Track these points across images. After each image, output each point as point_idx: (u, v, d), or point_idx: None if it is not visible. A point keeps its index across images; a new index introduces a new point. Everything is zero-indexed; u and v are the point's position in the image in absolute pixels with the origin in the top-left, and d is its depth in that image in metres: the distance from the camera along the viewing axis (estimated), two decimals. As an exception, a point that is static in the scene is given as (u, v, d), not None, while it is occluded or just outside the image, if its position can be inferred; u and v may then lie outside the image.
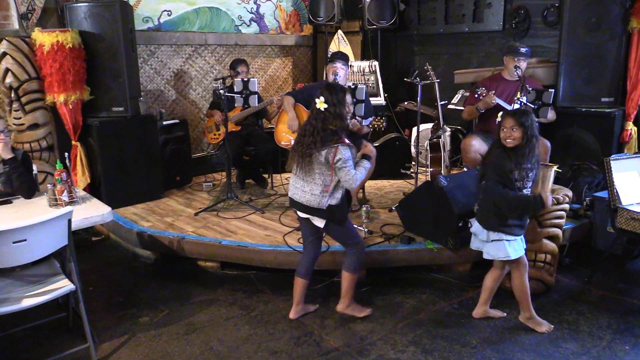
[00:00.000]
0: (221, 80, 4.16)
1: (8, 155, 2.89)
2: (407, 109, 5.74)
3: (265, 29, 6.09)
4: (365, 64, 5.66)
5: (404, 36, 6.23)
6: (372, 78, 5.61)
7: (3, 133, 2.89)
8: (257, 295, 3.29)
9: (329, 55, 5.23)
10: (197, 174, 5.47)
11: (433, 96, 4.35)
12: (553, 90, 3.88)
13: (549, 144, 3.95)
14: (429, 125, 4.81)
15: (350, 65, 5.18)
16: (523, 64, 4.07)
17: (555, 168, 2.76)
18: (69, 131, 4.23)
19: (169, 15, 5.27)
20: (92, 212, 2.76)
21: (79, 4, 4.14)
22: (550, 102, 3.80)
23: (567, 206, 3.21)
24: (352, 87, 3.87)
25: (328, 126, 2.67)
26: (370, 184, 4.90)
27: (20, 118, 4.11)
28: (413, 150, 4.99)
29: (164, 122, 4.94)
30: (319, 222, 2.79)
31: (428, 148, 4.41)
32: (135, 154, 4.44)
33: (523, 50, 4.07)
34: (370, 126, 3.99)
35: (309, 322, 2.95)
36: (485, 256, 2.79)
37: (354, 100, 3.79)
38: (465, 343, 2.71)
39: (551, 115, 3.95)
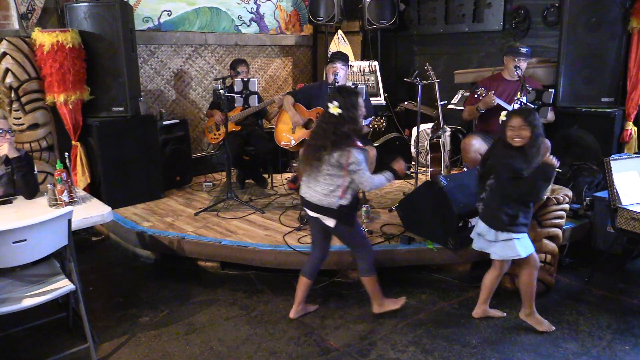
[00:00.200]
0: (221, 80, 4.16)
1: (14, 154, 2.90)
2: (407, 109, 5.75)
3: (265, 29, 6.09)
4: (365, 64, 5.66)
5: (404, 36, 6.23)
6: (372, 78, 5.61)
7: (8, 133, 2.91)
8: (257, 295, 3.29)
9: (329, 55, 5.23)
10: (197, 174, 5.47)
11: (433, 96, 4.35)
12: (553, 90, 3.89)
13: (549, 143, 3.95)
14: (429, 125, 4.81)
15: (350, 65, 5.18)
16: (523, 64, 4.07)
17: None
18: (69, 131, 4.23)
19: (169, 15, 5.27)
20: (92, 212, 2.76)
21: (79, 4, 4.14)
22: (551, 102, 3.81)
23: (567, 206, 3.21)
24: (352, 87, 3.88)
25: (340, 129, 2.67)
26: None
27: (20, 118, 4.11)
28: (413, 150, 4.99)
29: (164, 122, 4.94)
30: (330, 222, 2.79)
31: (428, 148, 4.41)
32: (135, 154, 4.44)
33: (523, 50, 4.07)
34: (370, 126, 4.00)
35: (309, 322, 2.95)
36: (493, 256, 2.77)
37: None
38: (465, 343, 2.71)
39: (550, 115, 3.96)
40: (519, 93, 3.93)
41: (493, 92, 3.99)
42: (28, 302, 2.36)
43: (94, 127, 4.27)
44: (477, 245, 2.84)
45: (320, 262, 3.00)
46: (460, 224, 3.30)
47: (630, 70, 4.10)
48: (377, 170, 4.12)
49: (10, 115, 4.10)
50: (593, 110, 4.25)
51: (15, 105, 4.09)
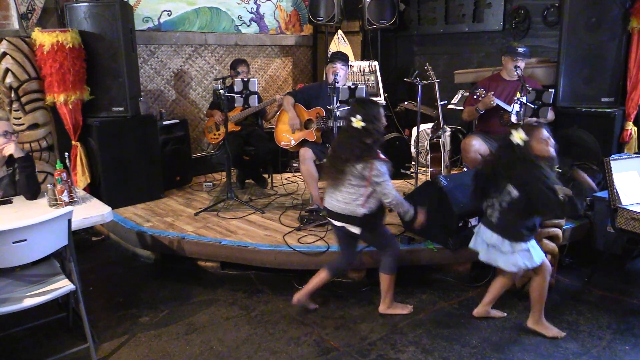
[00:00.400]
0: (221, 80, 4.16)
1: (20, 154, 2.91)
2: (407, 109, 5.74)
3: (265, 29, 6.09)
4: (365, 64, 5.65)
5: (404, 36, 6.23)
6: (372, 78, 5.61)
7: (13, 134, 2.93)
8: (257, 295, 3.29)
9: (329, 55, 5.23)
10: (197, 174, 5.47)
11: (433, 96, 4.35)
12: (553, 90, 3.88)
13: None
14: (429, 125, 4.81)
15: (350, 65, 5.18)
16: (521, 64, 4.07)
17: None
18: (69, 131, 4.23)
19: (169, 15, 5.27)
20: (92, 212, 2.76)
21: (79, 4, 4.14)
22: (551, 102, 3.80)
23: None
24: (352, 87, 3.88)
25: (364, 141, 2.71)
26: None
27: (20, 118, 4.11)
28: (413, 150, 4.99)
29: (164, 122, 4.94)
30: (355, 229, 2.83)
31: (428, 148, 4.41)
32: (135, 154, 4.44)
33: (521, 50, 4.07)
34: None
35: (309, 322, 2.95)
36: (511, 268, 2.67)
37: (354, 100, 3.80)
38: (465, 343, 2.71)
39: (550, 115, 3.96)
40: (518, 93, 3.93)
41: (492, 92, 3.99)
42: (28, 302, 2.36)
43: (94, 127, 4.27)
44: (486, 257, 2.76)
45: (347, 266, 3.07)
46: (460, 224, 3.29)
47: (630, 70, 4.10)
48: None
49: (10, 115, 4.10)
50: (593, 110, 4.24)
51: (15, 105, 4.09)
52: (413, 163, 4.70)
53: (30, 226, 2.23)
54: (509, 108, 4.03)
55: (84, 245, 4.12)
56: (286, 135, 4.25)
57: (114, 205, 3.76)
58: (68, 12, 4.18)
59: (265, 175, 5.08)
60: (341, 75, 4.03)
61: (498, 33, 5.38)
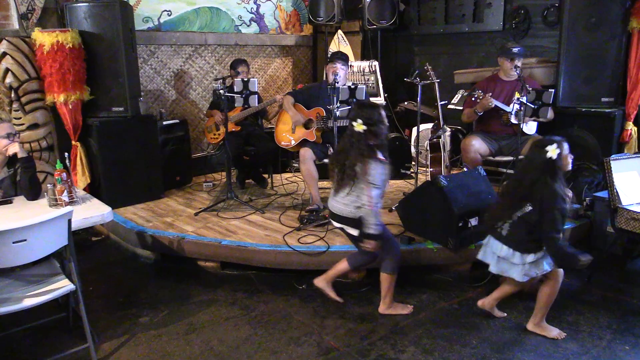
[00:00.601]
0: (221, 80, 4.16)
1: (23, 154, 2.92)
2: (407, 109, 5.74)
3: (265, 29, 6.09)
4: (365, 64, 5.65)
5: (404, 36, 6.23)
6: (372, 78, 5.61)
7: (15, 136, 2.94)
8: (257, 295, 3.28)
9: (329, 55, 5.23)
10: (197, 174, 5.46)
11: (433, 96, 4.35)
12: (553, 90, 3.89)
13: None
14: (429, 125, 4.81)
15: (350, 65, 5.18)
16: (518, 64, 4.07)
17: None
18: (69, 131, 4.23)
19: (169, 15, 5.27)
20: (92, 212, 2.76)
21: (79, 4, 4.14)
22: (551, 102, 3.81)
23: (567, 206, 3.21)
24: (352, 87, 3.88)
25: (366, 143, 2.72)
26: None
27: (20, 118, 4.11)
28: (413, 150, 4.99)
29: (164, 122, 4.94)
30: (353, 231, 2.86)
31: (428, 148, 4.41)
32: (135, 154, 4.44)
33: (515, 50, 4.08)
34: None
35: (309, 322, 2.95)
36: (523, 279, 2.68)
37: (354, 100, 3.80)
38: (465, 343, 2.71)
39: (550, 114, 3.96)
40: (516, 93, 3.93)
41: (490, 94, 4.00)
42: (28, 302, 2.36)
43: (94, 127, 4.27)
44: (497, 268, 2.75)
45: (368, 262, 3.05)
46: (460, 224, 3.29)
47: (630, 70, 4.11)
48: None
49: (11, 115, 4.10)
50: (593, 110, 4.25)
51: (15, 105, 4.09)
52: (413, 163, 4.70)
53: (30, 226, 2.23)
54: (507, 109, 4.03)
55: (84, 245, 4.12)
56: (286, 135, 4.25)
57: (114, 205, 3.75)
58: (68, 12, 4.18)
59: (265, 175, 5.08)
60: (341, 75, 4.03)
61: (498, 33, 5.38)
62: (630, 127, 4.18)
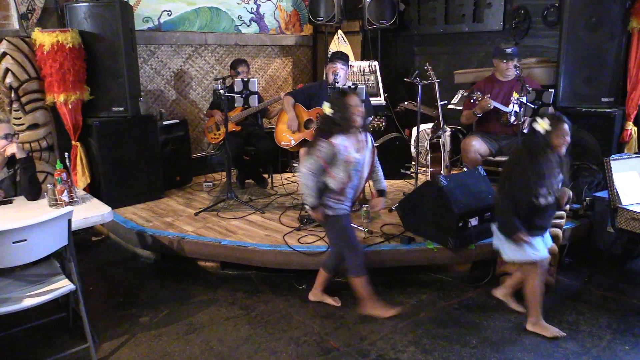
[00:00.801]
0: (221, 80, 4.16)
1: (22, 155, 2.92)
2: (407, 109, 5.75)
3: (265, 29, 6.09)
4: (365, 64, 5.66)
5: (404, 36, 6.23)
6: (372, 78, 5.61)
7: (14, 137, 2.94)
8: (257, 295, 3.28)
9: (329, 55, 5.23)
10: (197, 174, 5.46)
11: (433, 96, 4.35)
12: (553, 90, 3.89)
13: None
14: (429, 125, 4.81)
15: (350, 65, 5.18)
16: (512, 64, 4.08)
17: None
18: (69, 131, 4.23)
19: (169, 15, 5.27)
20: (92, 212, 2.76)
21: (79, 4, 4.14)
22: (551, 102, 3.81)
23: (567, 206, 3.21)
24: (352, 87, 3.88)
25: (328, 125, 2.82)
26: (370, 184, 4.89)
27: (20, 118, 4.11)
28: (413, 150, 4.99)
29: (164, 122, 4.94)
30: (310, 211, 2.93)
31: (428, 148, 4.41)
32: (135, 154, 4.44)
33: (509, 50, 4.08)
34: (370, 126, 4.00)
35: (309, 322, 2.95)
36: (507, 258, 2.76)
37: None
38: (465, 343, 2.71)
39: (551, 110, 3.96)
40: (514, 92, 3.93)
41: (488, 95, 4.00)
42: (28, 302, 2.36)
43: (94, 127, 4.27)
44: (495, 244, 2.85)
45: (336, 261, 3.06)
46: (460, 224, 3.29)
47: (630, 70, 4.10)
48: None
49: (11, 115, 4.10)
50: (593, 110, 4.25)
51: (15, 105, 4.09)
52: (413, 163, 4.70)
53: (30, 226, 2.23)
54: (506, 109, 4.03)
55: (84, 245, 4.12)
56: (286, 135, 4.25)
57: (114, 205, 3.75)
58: (68, 12, 4.18)
59: (265, 175, 5.08)
60: (341, 75, 4.03)
61: (498, 33, 5.38)
62: (630, 127, 4.17)
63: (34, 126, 4.17)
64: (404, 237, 3.55)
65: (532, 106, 3.78)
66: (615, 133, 4.15)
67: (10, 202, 2.93)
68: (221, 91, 4.12)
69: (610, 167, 3.29)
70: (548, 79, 4.56)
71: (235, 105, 4.27)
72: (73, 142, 4.28)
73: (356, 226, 3.74)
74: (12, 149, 2.89)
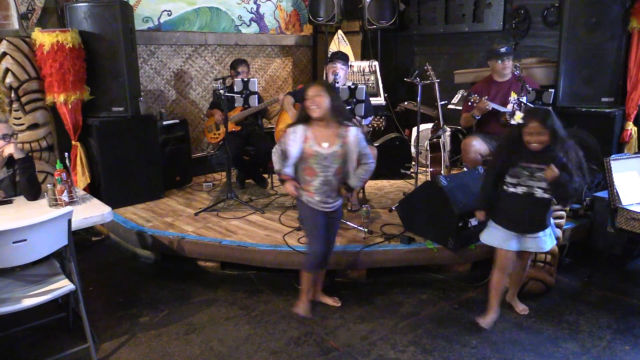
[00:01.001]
0: (221, 80, 4.16)
1: (20, 155, 2.91)
2: (407, 109, 5.75)
3: (265, 29, 6.09)
4: (365, 64, 5.66)
5: (404, 36, 6.23)
6: (372, 78, 5.61)
7: (12, 137, 2.94)
8: (257, 295, 3.29)
9: (329, 55, 5.23)
10: (197, 174, 5.46)
11: (433, 96, 4.35)
12: (553, 90, 3.89)
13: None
14: (429, 125, 4.81)
15: (350, 65, 5.18)
16: (508, 63, 4.08)
17: None
18: (69, 131, 4.23)
19: (169, 15, 5.27)
20: (92, 212, 2.76)
21: (79, 4, 4.14)
22: (550, 102, 3.81)
23: (567, 206, 3.22)
24: (352, 87, 3.88)
25: (303, 113, 2.86)
26: (370, 184, 4.90)
27: (20, 118, 4.11)
28: (413, 150, 4.99)
29: (164, 122, 4.94)
30: None
31: (428, 148, 4.41)
32: (135, 154, 4.44)
33: (503, 50, 4.07)
34: (370, 126, 4.00)
35: (309, 322, 2.95)
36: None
37: (354, 100, 3.80)
38: (465, 343, 2.72)
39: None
40: (513, 92, 3.93)
41: (486, 97, 3.99)
42: (28, 302, 2.36)
43: (94, 127, 4.27)
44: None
45: (309, 259, 3.01)
46: (460, 224, 3.29)
47: (630, 70, 4.10)
48: (376, 170, 4.14)
49: (10, 115, 4.10)
50: (593, 110, 4.24)
51: (15, 105, 4.09)
52: (413, 163, 4.70)
53: (30, 226, 2.23)
54: (505, 110, 4.02)
55: (84, 245, 4.12)
56: (286, 135, 4.25)
57: (114, 205, 3.75)
58: (68, 12, 4.18)
59: (265, 175, 5.08)
60: (341, 75, 4.03)
61: (498, 33, 5.38)
62: (630, 127, 4.17)
63: (34, 126, 4.17)
64: (404, 237, 3.55)
65: (532, 106, 3.78)
66: (615, 133, 4.15)
67: (10, 202, 2.93)
68: (221, 91, 4.13)
69: (610, 167, 3.29)
70: (548, 79, 4.55)
71: (235, 105, 4.27)
72: (73, 142, 4.28)
73: (356, 226, 3.75)
74: (9, 149, 2.89)
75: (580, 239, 3.80)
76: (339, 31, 6.00)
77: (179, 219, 4.10)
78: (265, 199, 4.60)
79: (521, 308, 2.99)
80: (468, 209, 3.26)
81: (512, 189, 2.68)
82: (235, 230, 3.82)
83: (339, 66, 4.06)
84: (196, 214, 4.17)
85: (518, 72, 3.97)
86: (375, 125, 3.95)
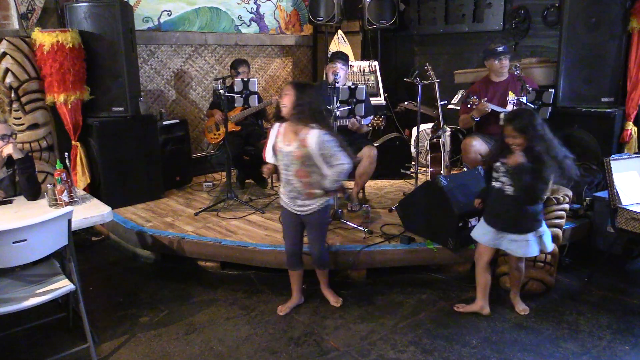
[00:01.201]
0: (221, 80, 4.16)
1: (19, 155, 2.91)
2: (407, 109, 5.74)
3: (265, 29, 6.09)
4: (365, 64, 5.66)
5: (404, 36, 6.23)
6: (372, 78, 5.61)
7: (11, 137, 2.94)
8: (257, 295, 3.29)
9: (329, 55, 5.23)
10: (197, 174, 5.46)
11: (433, 96, 4.35)
12: (553, 90, 3.88)
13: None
14: (429, 125, 4.81)
15: (350, 65, 5.18)
16: (506, 62, 4.07)
17: None
18: (69, 131, 4.23)
19: (169, 15, 5.27)
20: (92, 212, 2.76)
21: (79, 4, 4.14)
22: (550, 102, 3.80)
23: (567, 206, 3.22)
24: (352, 87, 3.88)
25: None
26: (370, 184, 4.89)
27: (20, 118, 4.11)
28: (413, 150, 4.99)
29: (164, 122, 4.94)
30: None
31: (428, 148, 4.41)
32: (135, 154, 4.44)
33: (500, 49, 4.08)
34: (370, 125, 4.00)
35: (309, 322, 2.95)
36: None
37: (354, 100, 3.80)
38: (465, 343, 2.72)
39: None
40: (511, 92, 3.92)
41: (485, 99, 3.99)
42: (28, 302, 2.36)
43: (94, 127, 4.27)
44: None
45: (314, 255, 3.06)
46: (460, 224, 3.29)
47: (630, 70, 4.10)
48: (376, 170, 4.16)
49: (10, 115, 4.10)
50: (593, 110, 4.24)
51: (15, 105, 4.09)
52: (413, 163, 4.70)
53: (30, 226, 2.23)
54: (504, 111, 4.02)
55: (84, 245, 4.12)
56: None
57: (114, 205, 3.75)
58: (68, 12, 4.17)
59: (265, 175, 5.06)
60: (341, 75, 4.03)
61: (498, 33, 5.38)
62: (630, 127, 4.17)
63: (34, 126, 4.17)
64: (404, 237, 3.55)
65: (532, 106, 3.78)
66: (615, 133, 4.14)
67: (10, 202, 2.93)
68: (221, 91, 4.12)
69: (610, 167, 3.29)
70: (548, 79, 4.55)
71: (235, 105, 4.27)
72: (73, 142, 4.28)
73: (356, 226, 3.75)
74: (8, 149, 2.88)
75: (580, 239, 3.80)
76: (339, 31, 6.00)
77: (179, 219, 4.10)
78: (265, 199, 4.60)
79: (521, 308, 2.99)
80: (468, 209, 3.26)
81: (494, 184, 2.82)
82: (235, 230, 3.82)
83: (339, 66, 4.06)
84: (196, 214, 4.17)
85: (518, 72, 3.96)
86: (375, 125, 3.95)
